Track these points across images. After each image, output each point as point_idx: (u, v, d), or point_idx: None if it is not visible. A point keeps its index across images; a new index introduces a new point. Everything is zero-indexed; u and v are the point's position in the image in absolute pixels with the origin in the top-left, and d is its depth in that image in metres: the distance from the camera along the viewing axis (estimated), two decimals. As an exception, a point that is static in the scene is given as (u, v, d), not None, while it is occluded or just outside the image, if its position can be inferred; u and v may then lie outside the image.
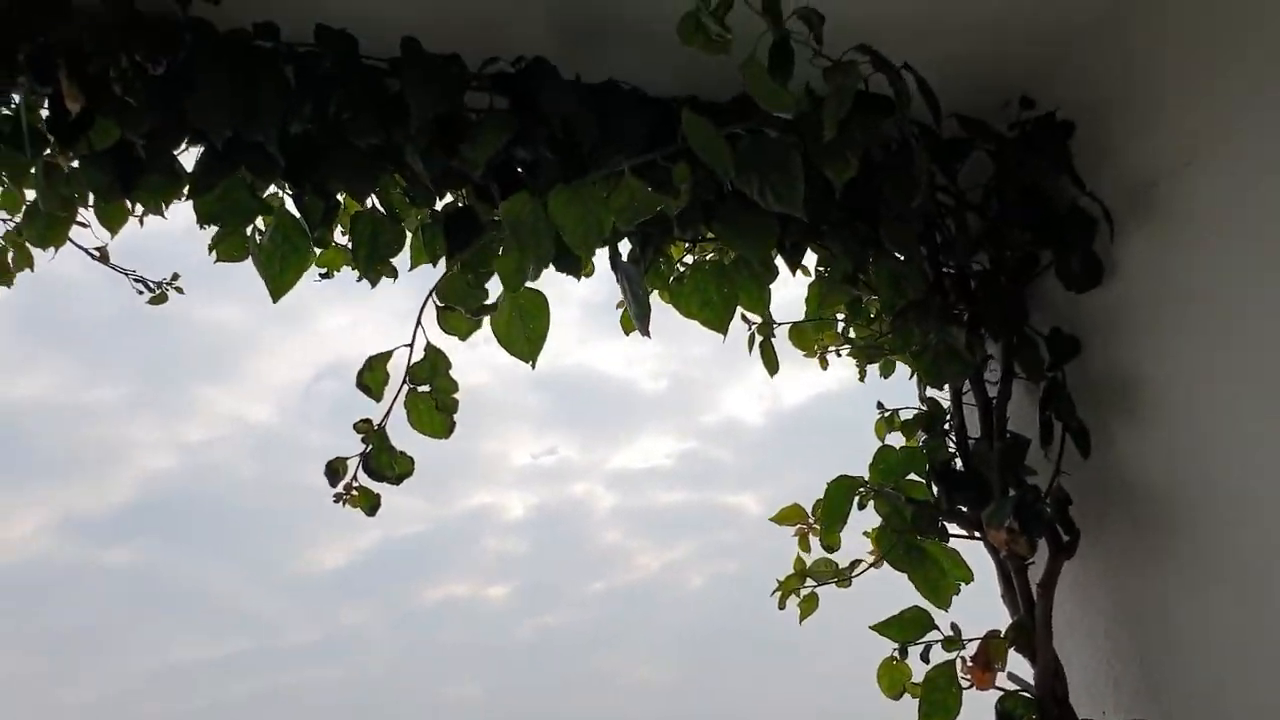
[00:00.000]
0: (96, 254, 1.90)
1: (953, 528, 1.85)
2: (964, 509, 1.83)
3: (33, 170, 1.55)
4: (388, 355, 1.49)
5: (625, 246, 1.99)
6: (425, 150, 1.49)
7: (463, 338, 1.52)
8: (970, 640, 1.74)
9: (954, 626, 1.75)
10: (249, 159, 1.55)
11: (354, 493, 1.42)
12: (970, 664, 1.71)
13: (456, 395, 1.47)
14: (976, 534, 1.82)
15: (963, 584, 1.91)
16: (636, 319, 1.94)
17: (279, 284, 1.72)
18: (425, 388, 1.46)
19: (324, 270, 2.12)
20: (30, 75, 1.33)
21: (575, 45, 1.69)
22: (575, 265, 1.91)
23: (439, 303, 1.49)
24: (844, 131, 1.51)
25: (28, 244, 1.70)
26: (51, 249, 1.73)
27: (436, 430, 1.48)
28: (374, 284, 1.78)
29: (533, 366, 1.72)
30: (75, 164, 1.55)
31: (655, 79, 1.71)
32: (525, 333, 1.73)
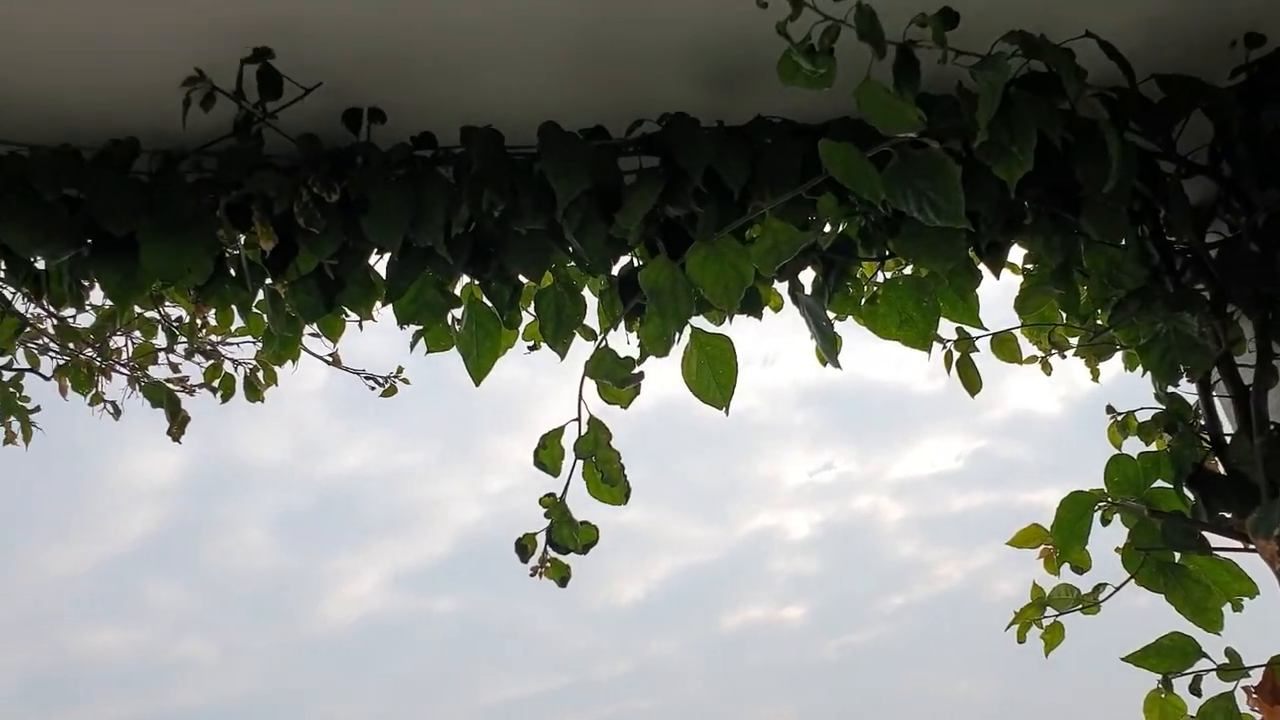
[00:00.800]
0: (330, 360, 2.11)
1: (1218, 539, 1.63)
2: (1227, 515, 1.60)
3: (259, 300, 1.76)
4: (560, 431, 1.54)
5: (810, 275, 1.95)
6: (580, 227, 1.54)
7: (625, 405, 1.54)
8: (1253, 667, 1.52)
9: (1229, 652, 1.53)
10: (431, 260, 1.68)
11: (547, 565, 1.48)
12: (1255, 695, 1.48)
13: (621, 465, 1.49)
14: (1248, 546, 1.59)
15: (1244, 599, 1.67)
16: (826, 353, 1.88)
17: (478, 368, 1.84)
18: (591, 460, 1.49)
19: (530, 343, 2.23)
20: (229, 223, 1.51)
21: (717, 90, 1.68)
22: (757, 306, 1.89)
23: (591, 378, 1.52)
24: (1007, 126, 1.40)
25: (268, 362, 1.93)
26: (290, 364, 1.95)
27: (614, 499, 1.51)
28: (563, 356, 1.85)
29: (725, 412, 1.71)
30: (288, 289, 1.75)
31: (801, 106, 1.66)
32: (715, 379, 1.72)
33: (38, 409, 1.98)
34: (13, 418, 1.93)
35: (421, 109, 1.62)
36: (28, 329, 1.79)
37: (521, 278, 1.81)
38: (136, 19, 1.46)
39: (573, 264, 1.82)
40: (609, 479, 1.47)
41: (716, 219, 1.56)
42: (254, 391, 2.05)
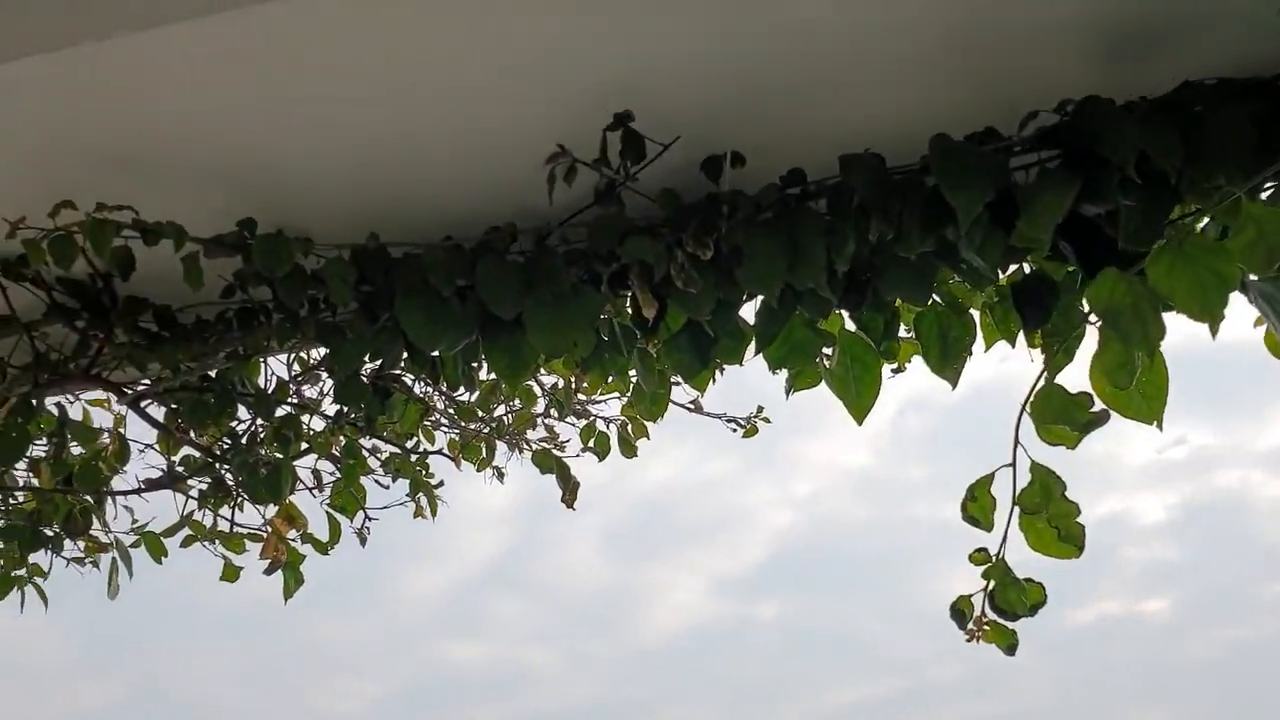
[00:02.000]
0: (692, 407, 2.07)
1: None
2: None
3: (630, 359, 1.74)
4: (989, 479, 1.36)
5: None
6: (981, 244, 1.35)
7: (1071, 447, 1.33)
8: None
9: None
10: (803, 299, 1.57)
11: (985, 629, 1.30)
12: None
13: (1080, 519, 1.28)
14: None
15: None
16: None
17: (859, 406, 1.70)
18: (1039, 516, 1.29)
19: (894, 366, 2.06)
20: (609, 289, 1.49)
21: (1120, 61, 1.42)
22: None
23: (1032, 418, 1.32)
24: None
25: (640, 418, 1.91)
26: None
27: (1066, 553, 1.30)
28: (954, 385, 1.67)
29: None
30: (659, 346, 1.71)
31: (1245, 57, 1.36)
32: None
33: (441, 484, 2.14)
34: (421, 494, 2.09)
35: (786, 144, 1.51)
36: (429, 413, 1.93)
37: (899, 303, 1.66)
38: (499, 108, 1.48)
39: (957, 279, 1.64)
40: (1067, 537, 1.27)
41: (1147, 214, 1.31)
42: (628, 447, 2.08)
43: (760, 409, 2.17)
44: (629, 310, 1.66)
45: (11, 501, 2.10)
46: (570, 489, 1.85)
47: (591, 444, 2.07)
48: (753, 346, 1.65)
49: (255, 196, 1.63)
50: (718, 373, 1.87)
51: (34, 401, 1.66)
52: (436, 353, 1.74)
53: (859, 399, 1.69)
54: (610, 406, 2.11)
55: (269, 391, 1.81)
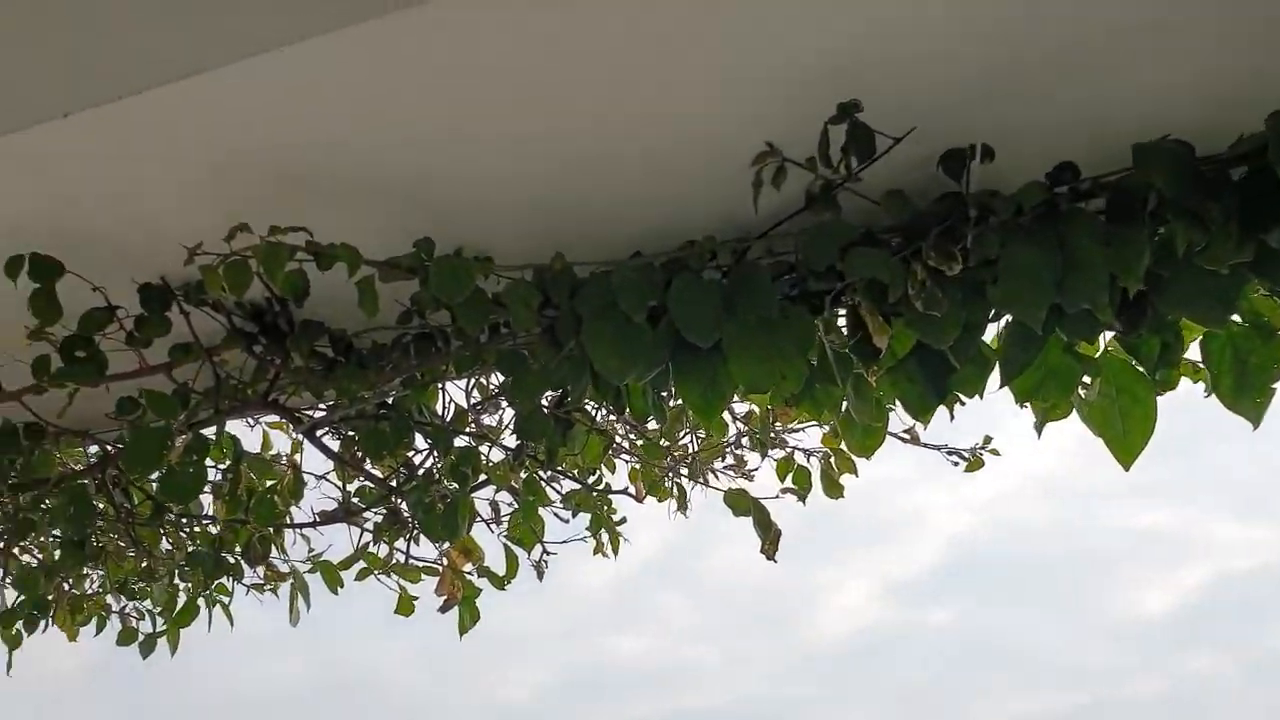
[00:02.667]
0: (906, 437, 1.81)
1: None
2: None
3: (844, 388, 1.51)
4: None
5: None
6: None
7: None
8: None
9: None
10: (1064, 321, 1.29)
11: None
12: None
13: None
14: None
15: None
16: None
17: (1126, 447, 1.41)
18: None
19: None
20: (834, 323, 1.26)
21: None
22: None
23: None
24: None
25: (847, 451, 1.67)
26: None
27: None
28: (1256, 424, 1.35)
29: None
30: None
31: None
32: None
33: (624, 521, 1.97)
34: (602, 530, 1.93)
35: (1044, 134, 1.24)
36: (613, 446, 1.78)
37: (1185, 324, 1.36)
38: (705, 111, 1.29)
39: (1260, 294, 1.32)
40: None
41: None
42: (834, 487, 1.84)
43: (988, 439, 1.89)
44: (843, 333, 1.44)
45: (196, 528, 2.08)
46: (771, 538, 1.63)
47: (789, 481, 1.84)
48: (996, 375, 1.39)
49: (433, 216, 1.50)
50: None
51: (216, 429, 1.60)
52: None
53: (1127, 437, 1.40)
54: (808, 435, 1.89)
55: (447, 421, 1.69)
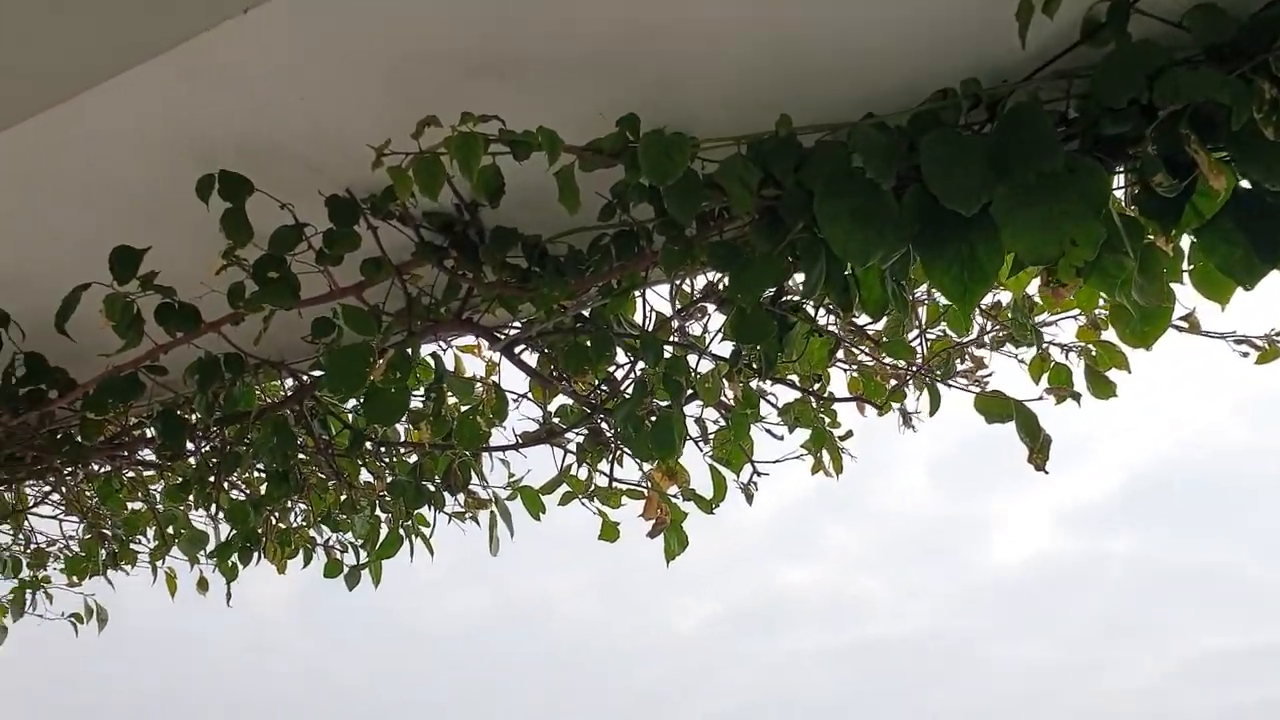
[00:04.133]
0: (1185, 325, 1.53)
1: None
2: None
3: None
4: None
5: None
6: None
7: None
8: None
9: None
10: None
11: None
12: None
13: None
14: None
15: None
16: None
17: None
18: None
19: None
20: (1151, 165, 1.01)
21: None
22: None
23: None
24: None
25: (1124, 341, 1.41)
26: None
27: None
28: None
29: None
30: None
31: None
32: None
33: (849, 434, 1.78)
34: (823, 449, 1.75)
35: None
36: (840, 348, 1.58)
37: None
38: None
39: None
40: None
41: None
42: (1101, 384, 1.57)
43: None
44: (1135, 191, 1.18)
45: (393, 457, 2.03)
46: (1039, 447, 1.40)
47: (1044, 382, 1.58)
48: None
49: (634, 92, 1.34)
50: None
51: (409, 352, 1.50)
52: (852, 269, 1.37)
53: None
54: (1060, 329, 1.62)
55: (642, 337, 1.54)
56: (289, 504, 2.22)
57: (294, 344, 2.00)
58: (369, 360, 1.37)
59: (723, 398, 1.65)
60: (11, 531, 2.61)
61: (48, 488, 2.53)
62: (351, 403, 2.05)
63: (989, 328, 1.64)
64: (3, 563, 2.46)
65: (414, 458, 2.06)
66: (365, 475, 2.13)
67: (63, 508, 2.63)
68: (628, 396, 1.53)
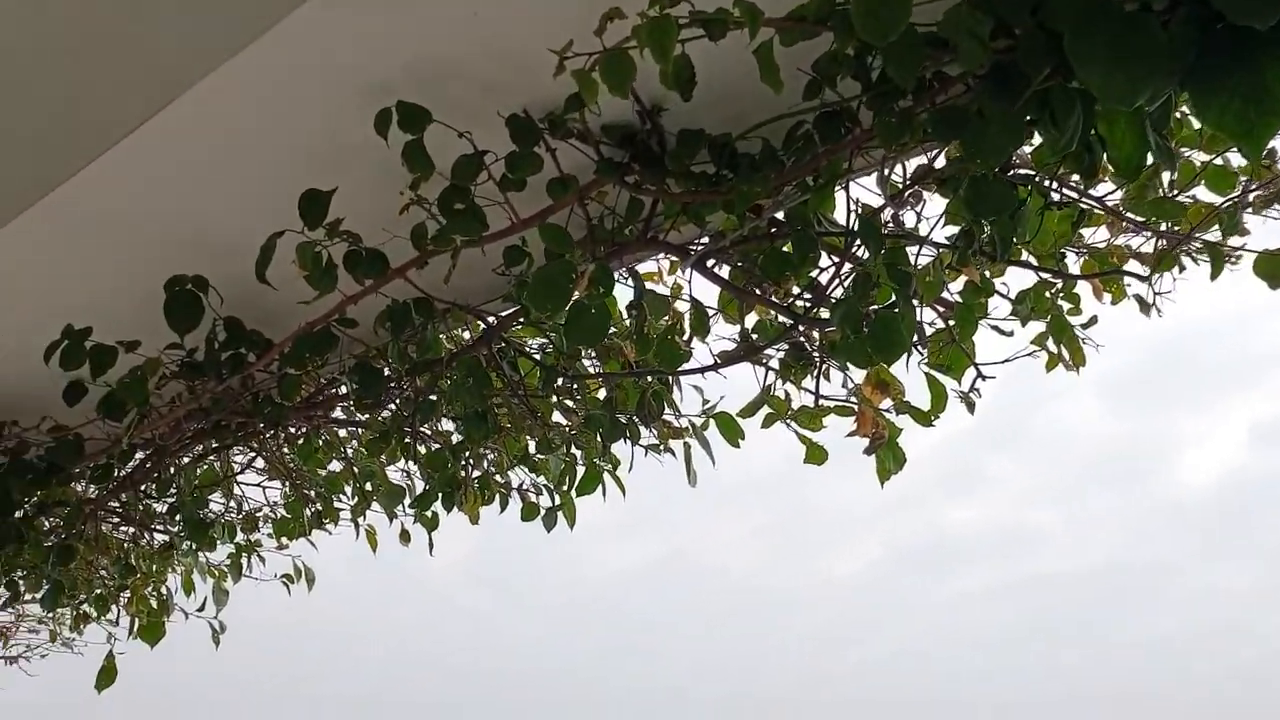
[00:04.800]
0: None
1: None
2: None
3: None
4: None
5: None
6: None
7: None
8: None
9: None
10: None
11: None
12: None
13: None
14: None
15: None
16: None
17: None
18: None
19: None
20: None
21: None
22: None
23: None
24: None
25: None
26: None
27: None
28: None
29: None
30: None
31: None
32: None
33: (1092, 321, 1.59)
34: (1060, 341, 1.57)
35: None
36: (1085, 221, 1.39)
37: None
38: None
39: None
40: None
41: None
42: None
43: None
44: None
45: (584, 392, 1.98)
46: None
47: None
48: None
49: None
50: None
51: (610, 267, 1.43)
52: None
53: None
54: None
55: (860, 222, 1.40)
56: (483, 449, 2.22)
57: (476, 287, 1.98)
58: (571, 276, 1.31)
59: (945, 294, 1.51)
60: (224, 499, 2.73)
61: (251, 454, 2.63)
62: (540, 341, 2.01)
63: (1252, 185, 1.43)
64: (221, 529, 2.58)
65: (603, 393, 2.01)
66: (557, 417, 2.10)
67: (266, 473, 2.73)
68: (837, 300, 1.41)
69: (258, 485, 2.81)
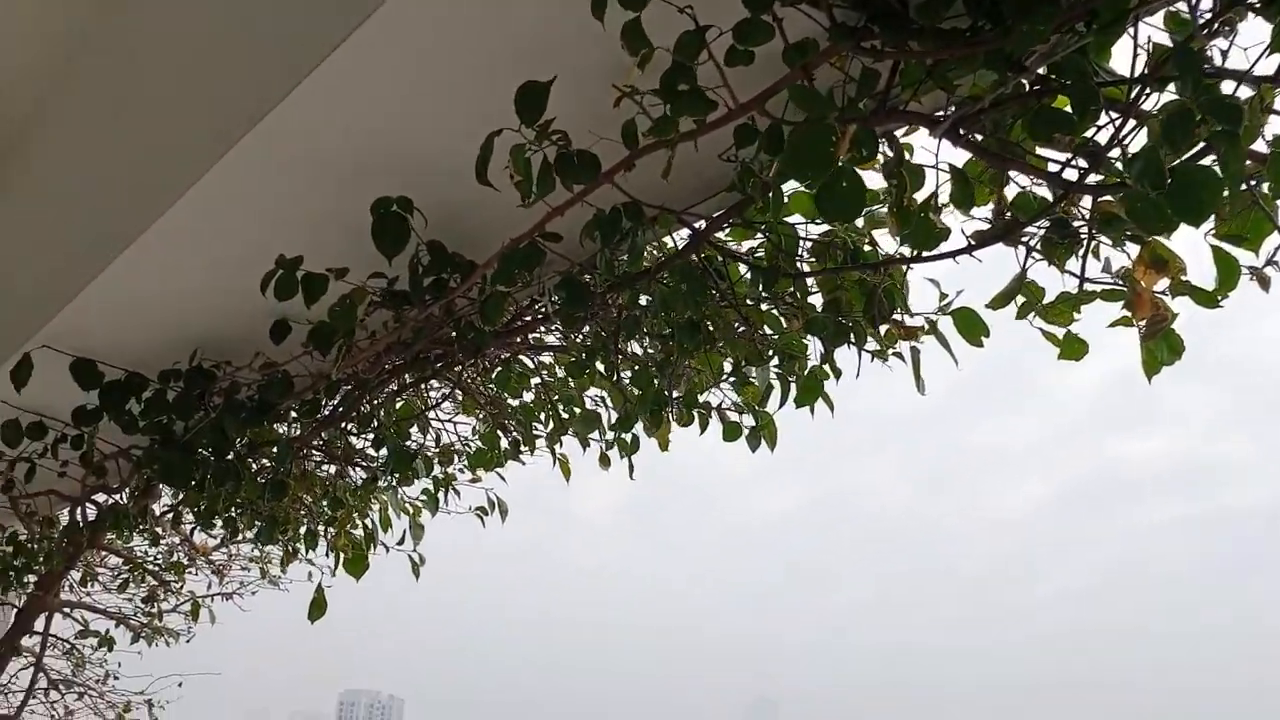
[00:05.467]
0: None
1: None
2: None
3: None
4: None
5: None
6: None
7: None
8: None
9: None
10: None
11: None
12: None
13: None
14: None
15: None
16: None
17: None
18: None
19: None
20: None
21: None
22: None
23: None
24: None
25: None
26: None
27: None
28: None
29: None
30: None
31: None
32: None
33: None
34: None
35: None
36: None
37: None
38: None
39: None
40: None
41: None
42: None
43: None
44: None
45: (799, 296, 1.85)
46: None
47: None
48: None
49: None
50: None
51: (873, 131, 1.29)
52: None
53: None
54: None
55: (1175, 53, 1.21)
56: (686, 367, 2.12)
57: (683, 190, 1.87)
58: (832, 139, 1.17)
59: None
60: (419, 434, 2.75)
61: (448, 387, 2.63)
62: (750, 244, 1.89)
63: None
64: (422, 462, 2.60)
65: (816, 299, 1.87)
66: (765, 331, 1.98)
67: (460, 407, 2.74)
68: (1134, 154, 1.22)
69: (449, 421, 2.82)
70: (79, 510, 3.60)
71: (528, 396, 2.55)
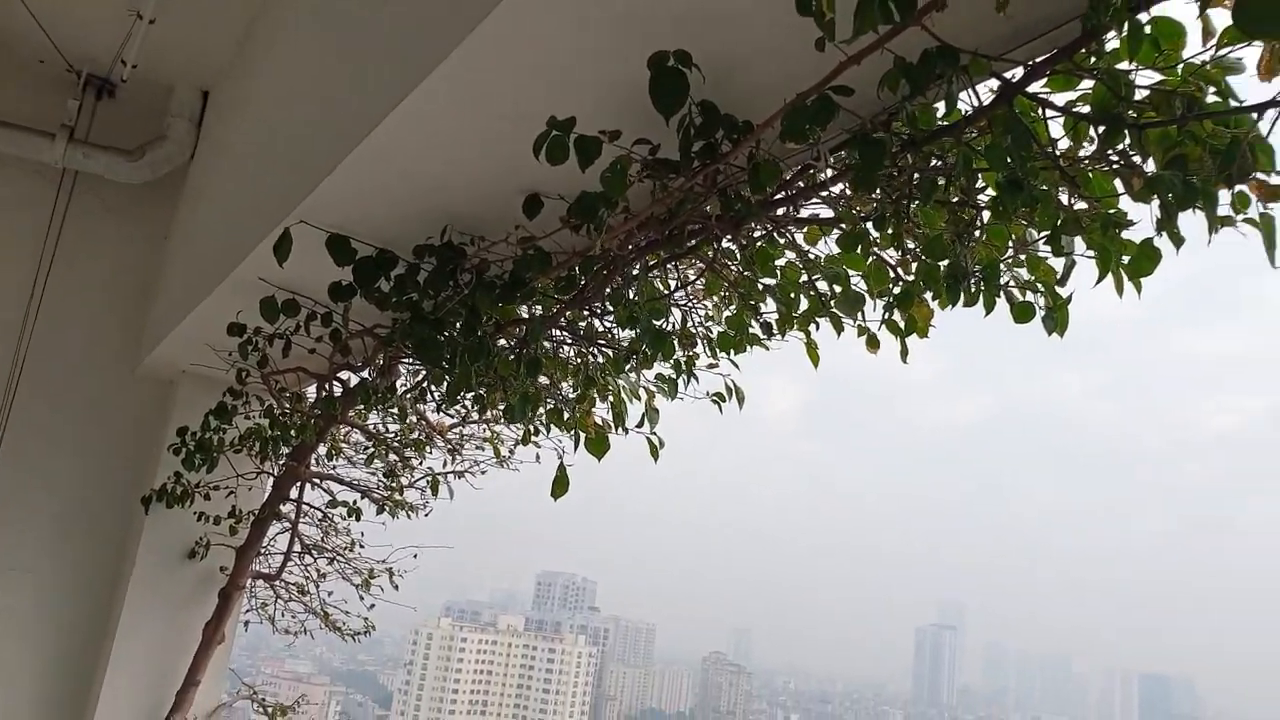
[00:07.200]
0: None
1: None
2: None
3: None
4: None
5: None
6: None
7: None
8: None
9: None
10: None
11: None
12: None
13: None
14: None
15: None
16: None
17: None
18: None
19: None
20: None
21: None
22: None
23: None
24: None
25: None
26: None
27: None
28: None
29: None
30: None
31: None
32: None
33: None
34: None
35: None
36: None
37: None
38: None
39: None
40: None
41: None
42: None
43: None
44: None
45: (1138, 148, 1.61)
46: None
47: None
48: None
49: None
50: None
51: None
52: None
53: None
54: None
55: None
56: (973, 239, 1.93)
57: (986, 40, 1.65)
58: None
59: None
60: (664, 316, 2.68)
61: (698, 267, 2.54)
62: (1066, 97, 1.65)
63: None
64: (675, 342, 2.53)
65: (1147, 163, 1.62)
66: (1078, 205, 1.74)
67: (706, 289, 2.64)
68: None
69: (691, 303, 2.74)
70: (325, 387, 3.81)
71: (778, 276, 2.42)
